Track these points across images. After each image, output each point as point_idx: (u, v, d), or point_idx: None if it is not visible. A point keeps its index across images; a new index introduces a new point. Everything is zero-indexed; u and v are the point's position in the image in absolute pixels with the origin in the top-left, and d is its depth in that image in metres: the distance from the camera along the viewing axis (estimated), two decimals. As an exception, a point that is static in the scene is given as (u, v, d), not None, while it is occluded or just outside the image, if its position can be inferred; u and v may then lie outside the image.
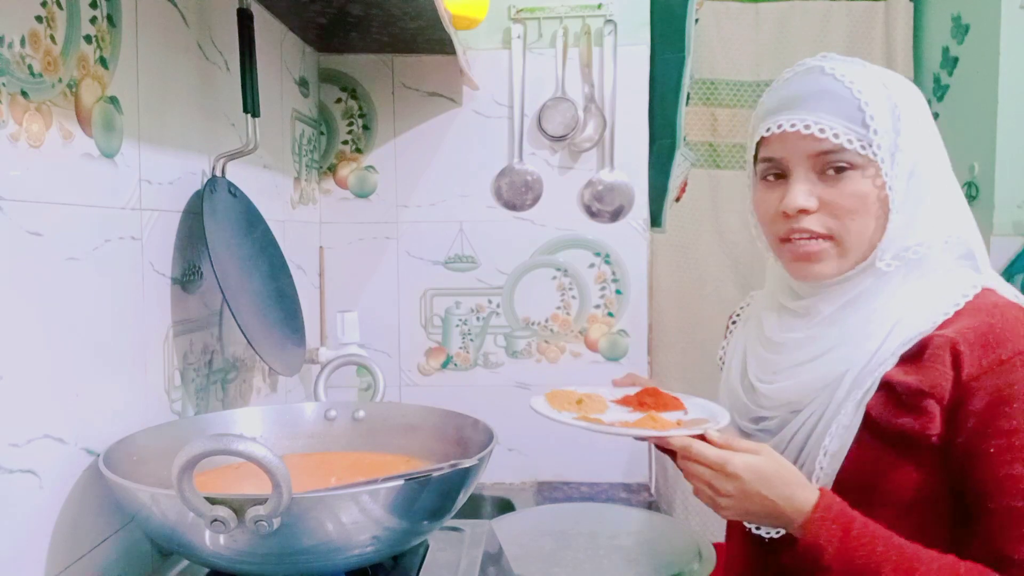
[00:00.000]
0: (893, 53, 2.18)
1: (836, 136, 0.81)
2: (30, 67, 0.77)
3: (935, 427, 0.79)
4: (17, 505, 0.75)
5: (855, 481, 0.83)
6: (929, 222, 0.84)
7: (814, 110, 0.83)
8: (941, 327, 0.81)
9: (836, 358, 0.85)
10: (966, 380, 0.77)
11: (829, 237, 0.85)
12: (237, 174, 1.20)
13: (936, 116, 2.17)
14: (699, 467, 0.81)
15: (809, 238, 0.85)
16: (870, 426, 0.83)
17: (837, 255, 0.86)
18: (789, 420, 0.89)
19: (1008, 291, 0.86)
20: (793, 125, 0.83)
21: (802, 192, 0.84)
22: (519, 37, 1.73)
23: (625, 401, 1.00)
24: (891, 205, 0.83)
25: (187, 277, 1.09)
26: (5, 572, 0.74)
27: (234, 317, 1.04)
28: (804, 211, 0.84)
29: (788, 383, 0.89)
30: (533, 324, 1.79)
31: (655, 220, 1.80)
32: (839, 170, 0.83)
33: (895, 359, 0.82)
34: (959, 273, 0.85)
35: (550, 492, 1.72)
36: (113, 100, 0.91)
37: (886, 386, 0.83)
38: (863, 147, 0.81)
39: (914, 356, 0.81)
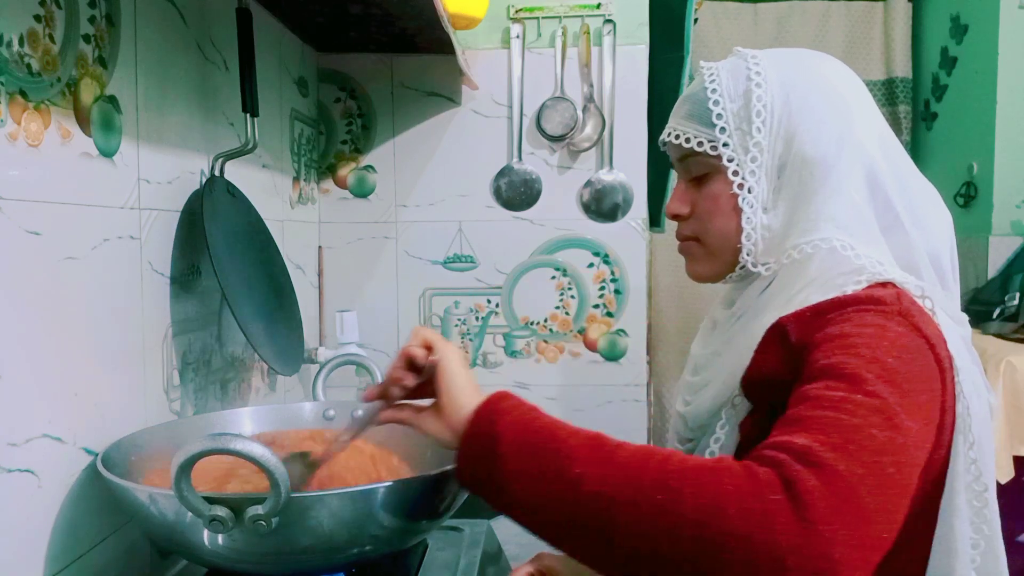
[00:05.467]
0: (892, 53, 2.19)
1: (687, 140, 0.81)
2: (29, 66, 0.77)
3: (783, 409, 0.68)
4: (16, 505, 0.75)
5: None
6: (821, 220, 0.75)
7: (677, 116, 0.83)
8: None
9: (719, 382, 0.80)
10: (796, 348, 0.69)
11: (696, 239, 0.85)
12: (236, 173, 1.20)
13: (935, 116, 2.18)
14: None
15: (683, 240, 0.87)
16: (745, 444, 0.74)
17: (704, 255, 0.84)
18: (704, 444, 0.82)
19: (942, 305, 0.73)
20: (667, 134, 0.84)
21: (674, 198, 0.85)
22: (518, 37, 1.73)
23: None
24: (741, 203, 0.79)
25: (186, 277, 1.09)
26: (4, 572, 0.74)
27: (234, 316, 1.04)
28: (677, 216, 0.85)
29: (694, 406, 0.84)
30: (532, 324, 1.79)
31: (654, 220, 1.80)
32: (700, 174, 0.82)
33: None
34: (848, 274, 0.73)
35: (549, 492, 1.72)
36: (112, 99, 0.91)
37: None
38: (713, 147, 0.79)
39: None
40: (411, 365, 0.76)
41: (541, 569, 0.93)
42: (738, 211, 0.79)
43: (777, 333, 0.72)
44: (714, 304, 0.93)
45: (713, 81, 0.80)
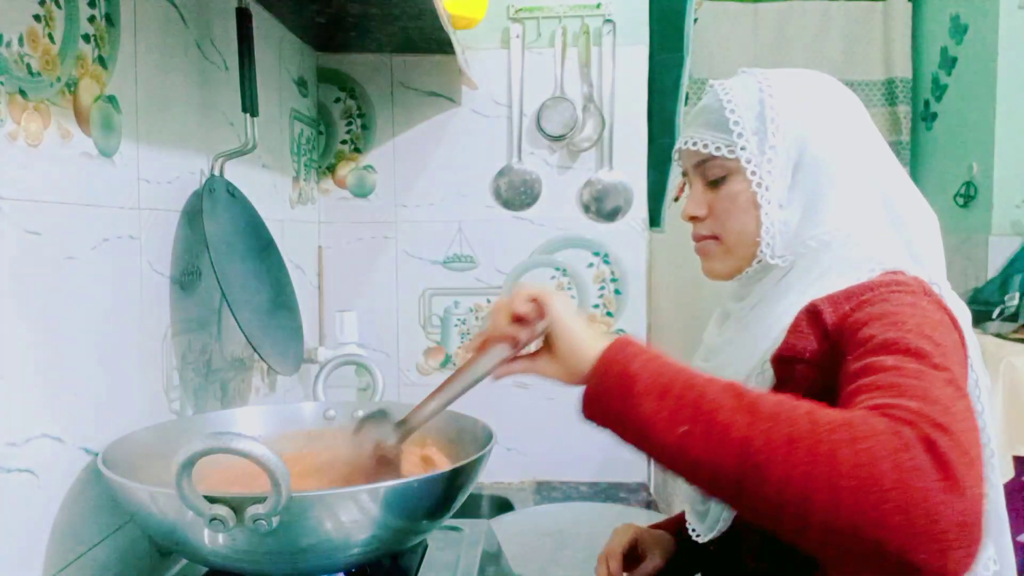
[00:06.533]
0: (891, 53, 2.19)
1: (705, 146, 0.87)
2: (28, 66, 0.77)
3: (813, 386, 0.75)
4: (15, 504, 0.75)
5: None
6: (833, 214, 0.83)
7: (693, 125, 0.90)
8: None
9: (739, 361, 0.85)
10: (831, 329, 0.76)
11: (714, 237, 0.90)
12: (236, 174, 1.20)
13: (935, 116, 2.18)
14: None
15: (700, 240, 0.92)
16: None
17: (722, 252, 0.90)
18: None
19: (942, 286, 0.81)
20: (683, 143, 0.91)
21: (692, 201, 0.91)
22: (518, 37, 1.73)
23: None
24: (760, 200, 0.85)
25: (186, 277, 1.09)
26: (4, 571, 0.74)
27: (234, 316, 1.04)
28: (695, 218, 0.91)
29: None
30: (532, 324, 1.79)
31: (654, 220, 1.80)
32: (717, 176, 0.87)
33: (777, 344, 0.81)
34: (863, 261, 0.81)
35: (549, 492, 1.72)
36: (111, 99, 0.91)
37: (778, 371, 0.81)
38: (730, 151, 0.85)
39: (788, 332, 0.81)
40: (518, 321, 0.78)
41: (635, 538, 0.99)
42: (756, 208, 0.85)
43: (810, 314, 0.78)
44: (723, 298, 0.99)
45: (727, 93, 0.87)
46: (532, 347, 0.80)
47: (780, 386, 0.79)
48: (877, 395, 0.63)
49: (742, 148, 0.84)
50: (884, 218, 0.84)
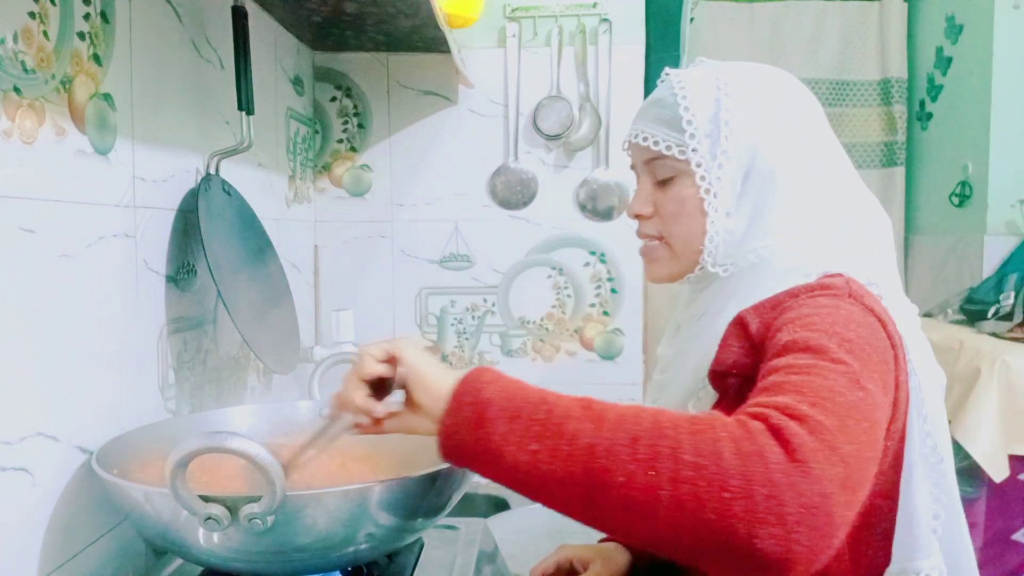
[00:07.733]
0: (887, 53, 2.19)
1: (656, 143, 0.83)
2: (23, 63, 0.76)
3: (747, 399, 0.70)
4: (9, 503, 0.75)
5: None
6: (778, 225, 0.80)
7: (644, 119, 0.85)
8: None
9: (685, 376, 0.83)
10: (756, 339, 0.74)
11: (661, 239, 0.87)
12: (231, 172, 1.19)
13: (930, 116, 2.19)
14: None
15: (648, 240, 0.89)
16: None
17: (668, 256, 0.87)
18: None
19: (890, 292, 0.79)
20: (633, 136, 0.86)
21: (638, 198, 0.88)
22: (514, 36, 1.73)
23: None
24: (707, 207, 0.81)
25: (181, 275, 1.09)
26: (-3, 571, 0.74)
27: (230, 315, 1.04)
28: (640, 216, 0.88)
29: (662, 402, 0.87)
30: (528, 323, 1.79)
31: (650, 219, 1.80)
32: (666, 176, 0.84)
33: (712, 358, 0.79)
34: (797, 268, 0.79)
35: (545, 491, 1.71)
36: (107, 97, 0.91)
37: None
38: (681, 152, 0.81)
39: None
40: (379, 386, 0.73)
41: (569, 557, 0.96)
42: (703, 214, 0.82)
43: (738, 325, 0.76)
44: (677, 307, 0.95)
45: (683, 88, 0.82)
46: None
47: (721, 400, 0.77)
48: (756, 397, 0.63)
49: (693, 150, 0.81)
50: (829, 225, 0.81)
